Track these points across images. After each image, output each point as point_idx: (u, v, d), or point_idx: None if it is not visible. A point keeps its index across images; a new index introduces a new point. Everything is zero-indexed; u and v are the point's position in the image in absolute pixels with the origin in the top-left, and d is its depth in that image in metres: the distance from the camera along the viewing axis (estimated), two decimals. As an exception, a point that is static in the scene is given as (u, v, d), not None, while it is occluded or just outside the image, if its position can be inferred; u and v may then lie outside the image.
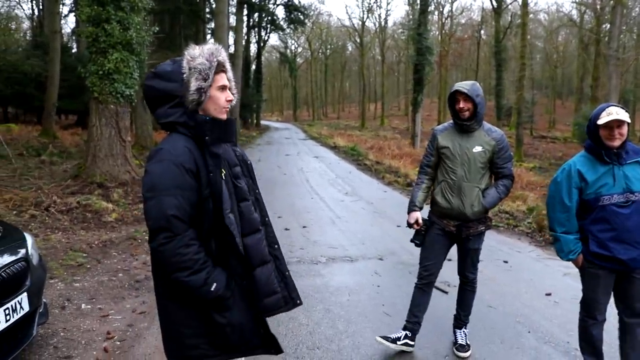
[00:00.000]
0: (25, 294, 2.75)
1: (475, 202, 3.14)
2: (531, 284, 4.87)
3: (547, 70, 51.22)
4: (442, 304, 4.17)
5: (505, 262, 5.60)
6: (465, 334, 3.47)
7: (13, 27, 38.65)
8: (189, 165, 1.68)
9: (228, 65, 1.86)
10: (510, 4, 35.15)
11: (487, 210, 3.21)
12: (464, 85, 3.08)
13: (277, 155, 18.08)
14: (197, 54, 1.76)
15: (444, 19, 43.67)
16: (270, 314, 1.97)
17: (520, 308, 4.22)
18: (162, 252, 1.63)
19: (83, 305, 3.98)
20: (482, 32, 46.98)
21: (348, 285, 4.69)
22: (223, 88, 1.82)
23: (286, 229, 6.78)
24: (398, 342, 3.32)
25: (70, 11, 31.73)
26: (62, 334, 3.47)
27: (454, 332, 3.51)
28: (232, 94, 1.89)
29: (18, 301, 2.67)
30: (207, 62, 1.75)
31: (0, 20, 33.58)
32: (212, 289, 1.69)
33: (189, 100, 1.74)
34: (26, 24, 40.72)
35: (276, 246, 2.03)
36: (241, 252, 1.80)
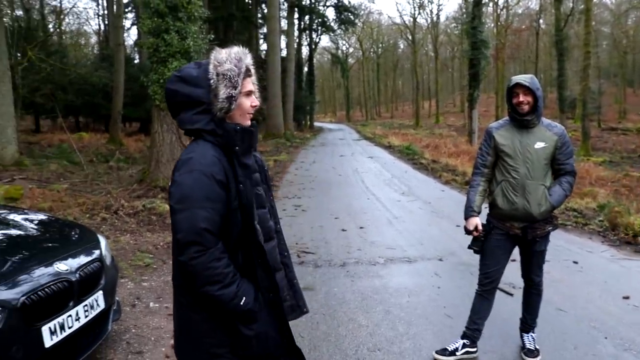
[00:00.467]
0: (100, 292, 2.91)
1: (542, 200, 2.97)
2: (605, 286, 4.57)
3: (615, 57, 48.04)
4: (507, 306, 4.00)
5: (575, 262, 5.29)
6: (533, 338, 3.31)
7: (82, 42, 41.33)
8: (219, 176, 1.62)
9: (253, 69, 1.80)
10: (573, -11, 33.33)
11: (554, 209, 3.04)
12: (524, 78, 2.94)
13: (332, 156, 18.13)
14: (225, 59, 1.69)
15: (499, 11, 42.00)
16: None
17: (594, 312, 3.97)
18: (193, 266, 1.58)
19: (151, 304, 4.17)
20: (541, 21, 44.79)
21: (407, 286, 4.61)
22: (249, 93, 1.76)
23: (343, 230, 6.78)
24: (457, 354, 3.20)
25: (132, 24, 33.58)
26: (133, 330, 3.65)
27: (521, 336, 3.35)
28: (256, 97, 1.82)
29: (95, 299, 2.83)
30: (235, 68, 1.68)
31: (72, 37, 35.99)
32: (242, 303, 1.65)
33: (217, 108, 1.67)
34: (93, 39, 43.46)
35: (286, 254, 1.99)
36: (269, 264, 1.75)
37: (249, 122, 1.79)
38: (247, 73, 1.74)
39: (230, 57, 1.70)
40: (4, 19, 11.25)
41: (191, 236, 1.56)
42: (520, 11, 46.52)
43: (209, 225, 1.58)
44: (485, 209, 3.21)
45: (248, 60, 1.74)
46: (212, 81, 1.67)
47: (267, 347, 1.78)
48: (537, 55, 44.55)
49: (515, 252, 3.27)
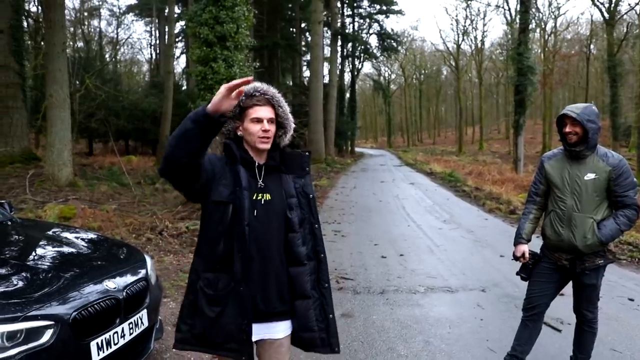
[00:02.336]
0: (145, 310, 3.00)
1: (588, 234, 2.86)
2: (664, 325, 4.28)
3: (672, 84, 45.80)
4: (555, 343, 3.82)
5: (631, 300, 4.99)
6: (584, 378, 3.13)
7: (135, 70, 43.63)
8: (214, 160, 1.97)
9: (274, 102, 2.00)
10: (626, 13, 32.25)
11: (603, 244, 2.89)
12: (573, 109, 2.87)
13: (372, 182, 18.06)
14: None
15: (546, 36, 41.18)
16: (308, 349, 2.05)
17: (652, 353, 3.72)
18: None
19: (192, 324, 4.24)
20: (592, 46, 43.55)
21: (448, 317, 4.48)
22: (256, 120, 1.95)
23: (383, 257, 6.70)
24: None
25: (181, 53, 35.16)
26: (173, 350, 3.72)
27: (571, 376, 3.18)
28: (286, 126, 2.05)
29: (139, 317, 2.92)
30: None
31: (125, 65, 38.05)
32: (190, 117, 1.77)
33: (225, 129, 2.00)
34: (145, 67, 45.76)
35: (326, 285, 2.04)
36: (248, 255, 1.89)
37: (264, 146, 1.97)
38: (255, 102, 1.95)
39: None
40: (67, 50, 12.05)
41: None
42: (569, 36, 45.47)
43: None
44: (537, 238, 3.15)
45: (257, 92, 1.96)
46: None
47: (224, 336, 1.91)
48: (587, 81, 43.13)
49: (567, 287, 3.15)
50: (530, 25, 23.64)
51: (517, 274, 3.22)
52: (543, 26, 40.42)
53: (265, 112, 1.95)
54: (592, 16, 62.46)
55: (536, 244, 3.24)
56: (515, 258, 3.18)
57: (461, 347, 3.83)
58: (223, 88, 1.73)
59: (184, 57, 35.48)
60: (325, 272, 2.04)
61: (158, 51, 36.25)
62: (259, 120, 1.94)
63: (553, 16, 40.69)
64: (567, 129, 2.87)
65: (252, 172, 1.98)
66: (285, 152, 2.07)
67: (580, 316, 3.13)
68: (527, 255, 3.12)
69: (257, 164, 2.00)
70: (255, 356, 2.02)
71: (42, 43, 17.32)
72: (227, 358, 2.00)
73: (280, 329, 2.03)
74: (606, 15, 31.55)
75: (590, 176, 2.88)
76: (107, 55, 32.47)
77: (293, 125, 2.09)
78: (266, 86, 2.01)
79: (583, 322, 3.13)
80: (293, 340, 2.07)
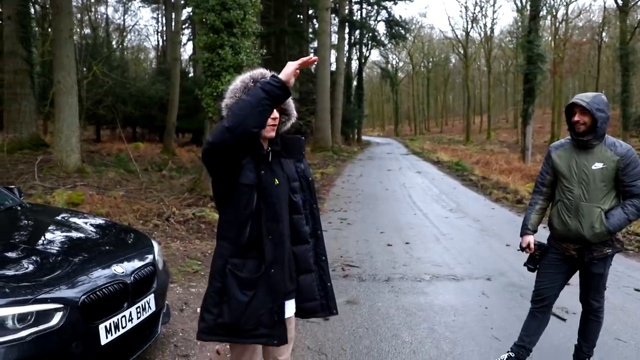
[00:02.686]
0: (152, 295, 3.04)
1: (596, 223, 2.84)
2: (670, 316, 4.27)
3: (685, 72, 45.05)
4: (559, 332, 3.82)
5: (638, 290, 4.97)
6: (588, 367, 3.14)
7: (142, 57, 43.60)
8: None
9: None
10: None
11: (611, 233, 2.88)
12: (582, 98, 2.83)
13: (379, 170, 18.03)
14: (241, 77, 2.03)
15: (557, 24, 40.57)
16: (307, 316, 2.19)
17: (657, 343, 3.71)
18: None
19: (199, 309, 4.27)
20: (604, 34, 42.83)
21: (453, 305, 4.50)
22: None
23: (389, 245, 6.71)
24: None
25: (188, 40, 35.05)
26: (180, 334, 3.77)
27: (575, 364, 3.19)
28: (289, 113, 2.11)
29: (147, 301, 2.96)
30: (240, 82, 2.01)
31: (132, 52, 38.03)
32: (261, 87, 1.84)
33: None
34: (152, 54, 45.71)
35: (323, 258, 2.19)
36: (278, 239, 1.96)
37: (271, 134, 2.02)
38: None
39: (245, 75, 2.02)
40: (74, 37, 12.06)
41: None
42: (581, 24, 44.77)
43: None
44: (544, 228, 3.14)
45: (264, 78, 1.96)
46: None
47: (253, 321, 1.94)
48: (598, 69, 42.53)
49: (574, 277, 3.14)
50: (541, 13, 23.28)
51: (525, 265, 3.21)
52: (554, 13, 39.84)
53: None
54: (604, 3, 61.34)
55: (543, 234, 3.23)
56: (522, 249, 3.18)
57: (465, 334, 3.84)
58: (295, 63, 1.86)
59: (190, 44, 35.44)
60: (322, 247, 2.19)
61: (165, 38, 36.15)
62: None
63: (564, 3, 39.96)
64: (576, 118, 2.84)
65: (258, 159, 2.01)
66: (284, 137, 2.13)
67: (587, 305, 3.12)
68: (532, 245, 3.11)
69: (265, 150, 2.04)
70: None
71: (49, 29, 17.35)
72: (244, 349, 2.09)
73: (290, 307, 2.11)
74: (620, 1, 30.97)
75: (598, 166, 2.85)
76: (114, 42, 32.44)
77: (295, 113, 2.15)
78: (273, 73, 2.01)
79: (589, 311, 3.12)
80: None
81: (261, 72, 2.01)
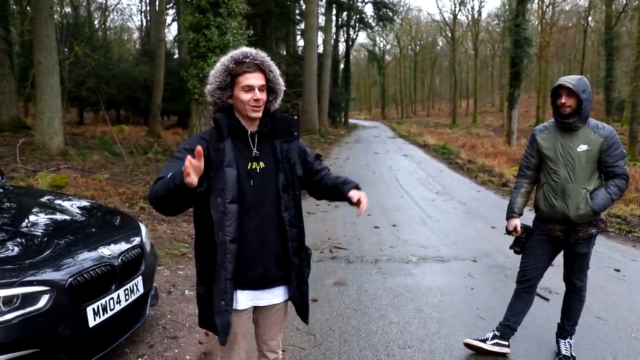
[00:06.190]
0: (140, 277, 3.02)
1: (581, 204, 2.90)
2: (649, 295, 4.40)
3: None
4: (543, 312, 3.92)
5: (617, 270, 5.10)
6: (570, 344, 3.23)
7: (125, 38, 42.67)
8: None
9: (265, 67, 1.92)
10: (626, -16, 31.77)
11: (595, 213, 2.94)
12: (569, 80, 2.87)
13: (366, 153, 18.06)
14: (222, 59, 1.92)
15: (544, 7, 40.61)
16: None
17: (637, 322, 3.82)
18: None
19: (186, 292, 4.29)
20: (590, 18, 43.06)
21: (440, 286, 4.56)
22: (246, 88, 1.87)
23: (376, 227, 6.76)
24: (487, 342, 3.24)
25: (173, 20, 34.33)
26: (169, 316, 3.77)
27: (557, 342, 3.28)
28: (277, 91, 1.98)
29: (135, 284, 2.95)
30: (220, 66, 1.90)
31: (115, 33, 37.18)
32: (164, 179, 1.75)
33: (209, 101, 1.95)
34: (136, 35, 44.77)
35: (309, 251, 2.11)
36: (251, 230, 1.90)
37: (256, 115, 1.91)
38: (244, 69, 1.88)
39: (226, 57, 1.90)
40: (54, 16, 11.70)
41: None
42: (567, 8, 44.86)
43: (159, 175, 1.83)
44: (529, 211, 3.18)
45: (247, 59, 1.89)
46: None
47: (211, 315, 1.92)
48: (583, 54, 42.84)
49: (557, 258, 3.20)
50: (529, -4, 23.26)
51: (511, 247, 3.26)
52: (541, -3, 39.76)
53: (255, 79, 1.89)
54: (590, -13, 61.38)
55: (528, 217, 3.28)
56: (508, 232, 3.22)
57: (452, 314, 3.91)
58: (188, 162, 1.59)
59: (175, 24, 34.68)
60: (304, 241, 2.05)
61: (149, 18, 35.38)
62: (250, 88, 1.87)
63: (552, -13, 39.95)
64: (563, 100, 2.87)
65: (245, 142, 1.94)
66: (275, 116, 2.03)
67: (570, 285, 3.20)
68: (519, 228, 3.15)
69: (249, 132, 1.95)
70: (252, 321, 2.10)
71: (28, 8, 16.83)
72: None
73: (279, 294, 2.07)
74: (605, -14, 31.05)
75: (583, 147, 2.90)
76: (96, 22, 31.64)
77: (283, 89, 2.03)
78: (255, 51, 1.93)
79: (572, 290, 3.20)
80: None
81: (243, 51, 1.91)
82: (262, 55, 1.93)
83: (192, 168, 1.58)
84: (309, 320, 2.18)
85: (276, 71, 1.98)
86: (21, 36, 16.60)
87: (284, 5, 29.28)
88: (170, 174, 1.72)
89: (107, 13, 35.08)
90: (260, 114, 1.93)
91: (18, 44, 15.88)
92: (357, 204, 1.99)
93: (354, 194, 2.00)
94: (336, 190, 2.08)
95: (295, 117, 2.05)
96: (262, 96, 1.90)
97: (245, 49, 1.93)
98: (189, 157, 1.58)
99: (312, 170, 2.11)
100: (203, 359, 3.14)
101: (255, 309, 2.08)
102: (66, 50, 18.46)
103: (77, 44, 16.99)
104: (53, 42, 10.53)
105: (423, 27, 60.88)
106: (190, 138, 1.99)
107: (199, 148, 1.61)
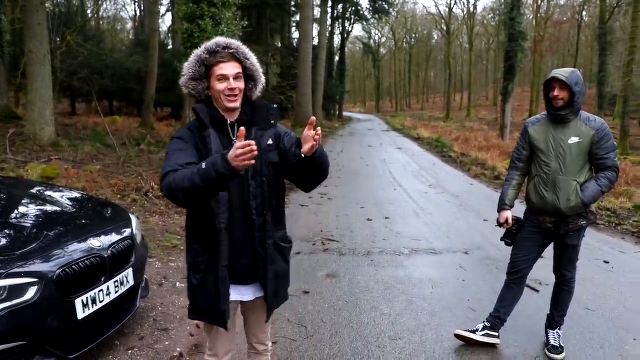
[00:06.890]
0: (130, 269, 3.01)
1: (572, 196, 2.92)
2: (637, 288, 4.44)
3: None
4: (533, 303, 3.94)
5: (606, 262, 5.15)
6: (559, 335, 3.26)
7: (119, 28, 42.23)
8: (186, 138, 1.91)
9: (239, 56, 1.89)
10: (621, -21, 31.80)
11: (586, 205, 2.96)
12: (562, 73, 2.87)
13: (360, 146, 18.05)
14: (196, 51, 1.90)
15: (539, 2, 40.61)
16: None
17: (624, 313, 3.87)
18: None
19: (178, 284, 4.28)
20: (584, 13, 43.15)
21: (432, 278, 4.59)
22: (221, 78, 1.86)
23: (369, 220, 6.77)
24: (477, 333, 3.26)
25: (167, 11, 33.95)
26: (160, 308, 3.76)
27: (546, 333, 3.31)
28: (256, 78, 1.97)
29: (125, 275, 2.93)
30: (194, 57, 1.89)
31: (109, 23, 36.78)
32: (202, 168, 1.66)
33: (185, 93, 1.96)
34: (129, 25, 44.31)
35: (269, 242, 1.98)
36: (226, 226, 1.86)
37: (232, 105, 1.88)
38: (219, 59, 1.86)
39: (200, 48, 1.89)
40: (46, 4, 11.54)
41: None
42: (562, 2, 44.88)
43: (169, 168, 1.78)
44: (520, 203, 3.19)
45: (221, 48, 1.87)
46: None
47: (208, 304, 1.92)
48: (577, 49, 42.98)
49: (547, 250, 3.22)
50: (524, -10, 23.24)
51: (502, 239, 3.28)
52: (537, -9, 39.75)
53: (230, 68, 1.86)
54: (586, -18, 61.35)
55: (519, 210, 3.30)
56: (499, 224, 3.24)
57: (443, 306, 3.93)
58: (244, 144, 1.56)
59: (169, 14, 34.30)
60: (270, 231, 1.96)
61: (142, 8, 35.03)
62: (224, 78, 1.85)
63: (547, -19, 39.94)
64: (556, 93, 2.88)
65: (225, 132, 1.91)
66: (255, 104, 1.99)
67: (560, 276, 3.22)
68: (510, 221, 3.17)
69: (229, 122, 1.91)
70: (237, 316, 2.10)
71: (19, -4, 16.59)
72: (211, 329, 2.07)
73: (257, 288, 2.04)
74: (600, -19, 31.07)
75: (574, 140, 2.91)
76: (88, 11, 31.27)
77: (263, 77, 2.00)
78: (228, 40, 1.90)
79: (562, 281, 3.22)
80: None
81: (216, 41, 1.88)
82: (236, 44, 1.91)
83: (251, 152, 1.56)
84: (269, 319, 2.11)
85: (253, 58, 1.94)
86: (12, 24, 16.38)
87: (279, -4, 29.07)
88: (202, 163, 1.65)
89: (100, 2, 34.69)
90: (236, 104, 1.90)
91: (9, 32, 15.68)
92: (311, 141, 1.85)
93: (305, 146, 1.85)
94: (298, 160, 1.89)
95: (275, 105, 2.02)
96: (238, 85, 1.87)
97: (218, 39, 1.91)
98: (252, 143, 1.55)
99: (289, 154, 1.97)
100: (194, 351, 3.14)
101: (242, 303, 2.08)
102: (58, 39, 18.24)
103: (70, 33, 16.80)
104: (44, 31, 10.39)
105: (419, 20, 60.80)
106: (178, 129, 1.97)
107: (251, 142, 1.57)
